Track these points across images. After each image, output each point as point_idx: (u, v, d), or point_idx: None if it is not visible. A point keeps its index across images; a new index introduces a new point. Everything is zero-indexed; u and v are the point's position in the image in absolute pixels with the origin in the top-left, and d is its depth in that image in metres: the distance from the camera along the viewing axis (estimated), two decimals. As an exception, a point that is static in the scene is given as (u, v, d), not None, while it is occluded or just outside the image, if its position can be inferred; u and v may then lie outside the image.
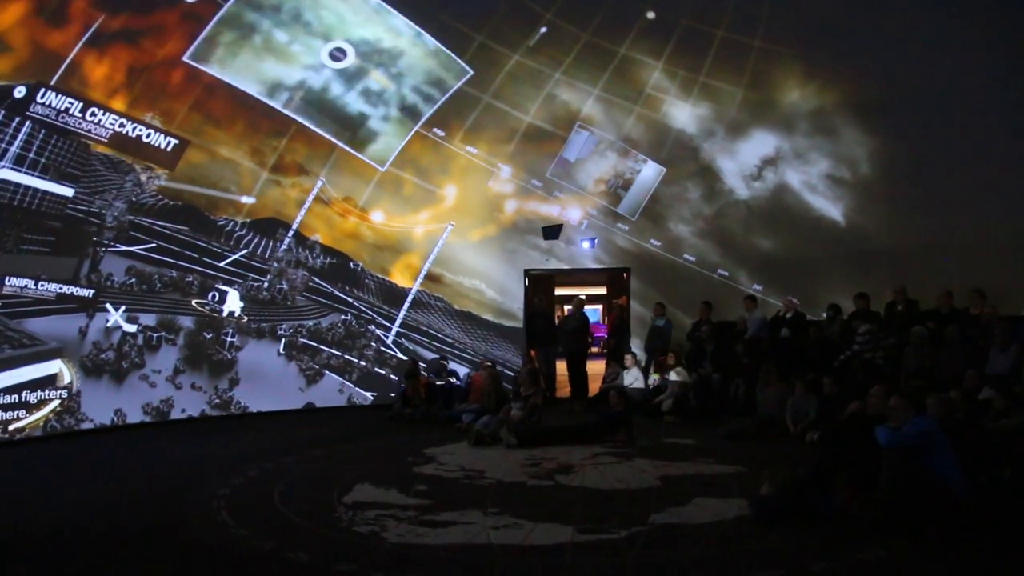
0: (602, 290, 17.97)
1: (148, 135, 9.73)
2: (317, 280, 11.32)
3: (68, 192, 9.07)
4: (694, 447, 7.83)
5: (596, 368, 12.86)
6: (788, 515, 4.86)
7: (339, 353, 11.34)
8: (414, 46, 10.90)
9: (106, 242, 9.47)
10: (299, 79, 10.57)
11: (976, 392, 6.97)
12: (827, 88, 11.19)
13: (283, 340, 10.93)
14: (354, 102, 11.00)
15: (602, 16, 11.24)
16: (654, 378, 10.77)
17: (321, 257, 11.33)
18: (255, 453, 7.61)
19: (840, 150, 11.47)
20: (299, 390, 11.05)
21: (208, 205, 10.48)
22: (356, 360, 11.47)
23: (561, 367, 12.22)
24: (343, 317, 11.45)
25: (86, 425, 9.11)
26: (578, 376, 11.96)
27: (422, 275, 12.08)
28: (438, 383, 11.19)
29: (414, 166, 11.66)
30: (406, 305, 11.97)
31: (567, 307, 13.99)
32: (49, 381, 8.88)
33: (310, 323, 11.18)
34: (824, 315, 10.42)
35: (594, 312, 20.98)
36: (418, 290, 12.02)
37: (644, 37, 11.41)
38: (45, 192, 8.89)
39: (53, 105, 8.83)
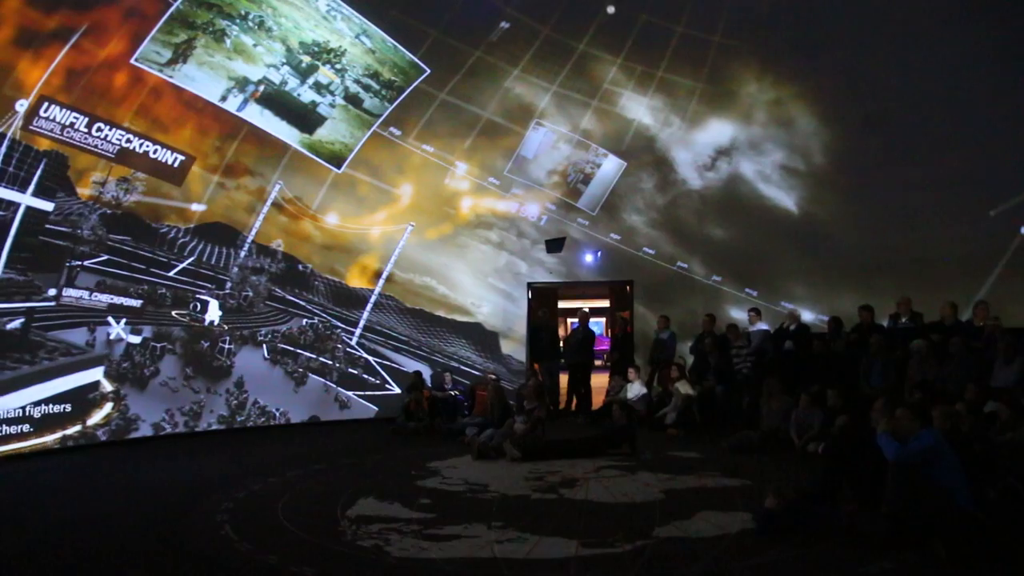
0: (605, 303, 17.96)
1: (155, 151, 9.72)
2: (276, 286, 11.15)
3: (48, 207, 8.80)
4: (698, 460, 7.81)
5: (600, 381, 12.85)
6: (793, 529, 4.84)
7: (314, 356, 11.31)
8: (368, 47, 10.49)
9: (80, 257, 9.16)
10: (258, 77, 9.99)
11: (981, 405, 6.94)
12: (783, 81, 11.23)
13: (264, 345, 10.91)
14: (308, 100, 10.52)
15: (562, 11, 11.03)
16: (657, 390, 10.75)
17: (282, 263, 11.16)
18: (258, 466, 7.61)
19: (795, 141, 11.55)
20: (294, 394, 11.09)
21: (151, 213, 9.85)
22: (330, 362, 11.45)
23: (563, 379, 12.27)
24: (309, 321, 11.33)
25: (142, 429, 9.57)
26: (582, 389, 11.95)
27: (384, 276, 11.98)
28: (442, 393, 11.19)
29: (368, 166, 11.44)
30: (369, 306, 11.87)
31: (571, 320, 14.00)
32: (93, 388, 9.20)
33: (283, 328, 11.13)
34: (827, 322, 10.50)
35: (597, 325, 20.99)
36: (367, 289, 11.89)
37: (604, 32, 11.28)
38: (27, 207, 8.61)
39: (58, 120, 8.76)
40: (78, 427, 8.96)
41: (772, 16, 10.56)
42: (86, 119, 9.00)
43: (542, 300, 13.25)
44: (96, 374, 9.25)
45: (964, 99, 9.88)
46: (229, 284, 10.60)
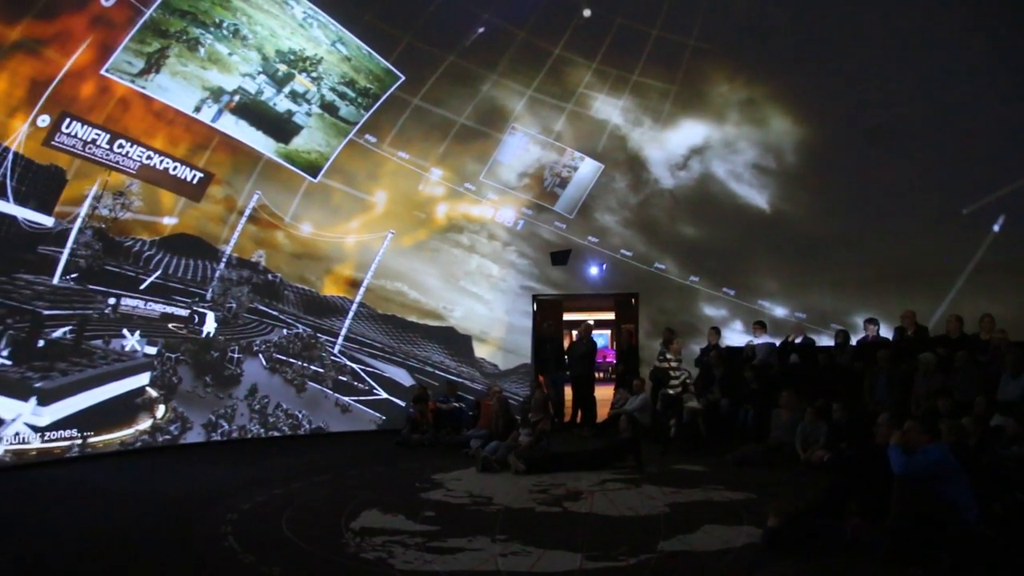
0: (610, 315, 17.96)
1: (175, 168, 9.81)
2: (257, 297, 11.05)
3: (48, 221, 8.78)
4: (703, 473, 7.78)
5: (605, 393, 12.83)
6: (798, 543, 4.82)
7: (305, 364, 11.32)
8: (344, 55, 10.37)
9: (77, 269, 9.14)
10: (234, 87, 9.80)
11: (987, 418, 6.91)
12: (756, 82, 11.24)
13: (260, 355, 10.94)
14: (284, 109, 10.35)
15: (538, 15, 10.94)
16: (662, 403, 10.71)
17: (265, 274, 11.10)
18: (262, 478, 7.61)
19: (768, 140, 11.58)
20: (301, 401, 11.16)
21: (118, 228, 9.55)
22: (321, 370, 11.45)
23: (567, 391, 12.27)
24: (295, 331, 11.31)
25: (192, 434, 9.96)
26: (586, 401, 11.93)
27: (364, 285, 11.90)
28: (447, 405, 11.18)
29: (342, 174, 11.29)
30: (350, 314, 11.80)
31: (574, 332, 14.00)
32: (140, 393, 9.57)
33: (274, 337, 11.12)
34: (833, 332, 10.46)
35: (602, 337, 20.98)
36: (340, 297, 11.80)
37: (579, 36, 11.22)
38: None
39: (79, 136, 8.83)
40: (130, 431, 9.39)
41: (747, 18, 10.57)
42: (107, 136, 9.08)
43: (547, 312, 13.26)
44: (143, 379, 9.67)
45: (937, 99, 9.96)
46: (210, 296, 10.49)
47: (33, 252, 8.73)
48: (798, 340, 10.66)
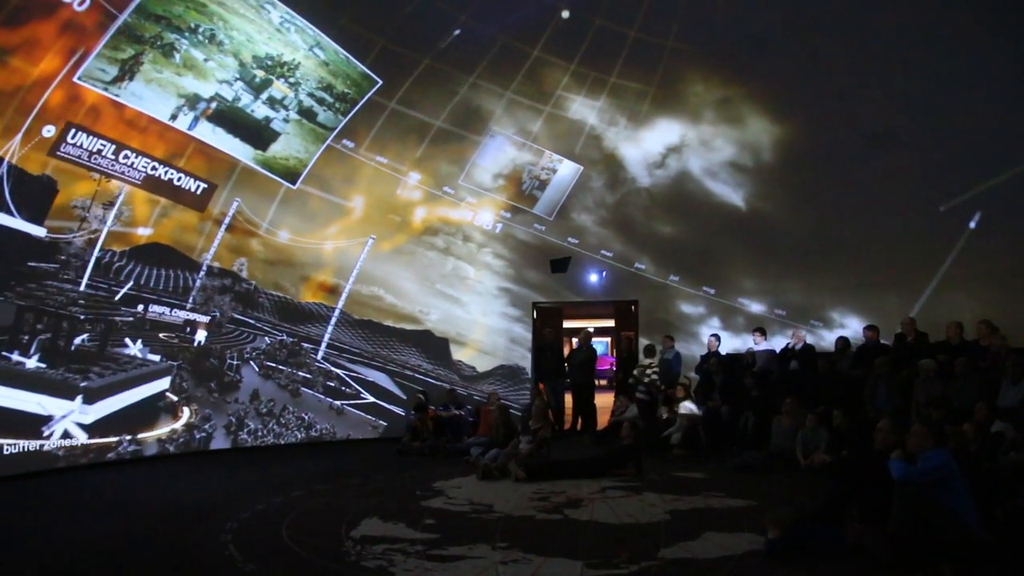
0: (610, 322, 17.98)
1: (179, 179, 9.82)
2: (239, 305, 10.98)
3: (40, 232, 8.64)
4: (703, 481, 7.77)
5: (605, 401, 12.82)
6: (799, 550, 4.81)
7: (293, 371, 11.31)
8: (321, 59, 10.27)
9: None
10: (210, 94, 9.62)
11: (988, 425, 6.91)
12: (733, 81, 11.26)
13: (251, 362, 10.93)
14: (262, 116, 10.22)
15: (517, 16, 10.87)
16: (663, 411, 10.71)
17: (247, 283, 10.98)
18: (262, 486, 7.59)
19: (745, 138, 11.61)
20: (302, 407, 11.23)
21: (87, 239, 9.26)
22: (310, 376, 11.43)
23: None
24: (279, 338, 11.25)
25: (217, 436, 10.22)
26: (587, 409, 11.93)
27: (346, 291, 11.83)
28: (448, 413, 11.18)
29: (319, 180, 11.19)
30: (333, 320, 11.74)
31: (575, 339, 14.01)
32: (161, 396, 9.83)
33: (262, 345, 11.09)
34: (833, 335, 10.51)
35: (602, 344, 20.99)
36: (317, 304, 11.74)
37: (557, 38, 11.19)
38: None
39: (84, 146, 8.81)
40: (165, 430, 9.76)
41: (725, 19, 10.59)
42: (113, 146, 9.07)
43: (547, 320, 13.26)
44: (165, 383, 9.90)
45: (914, 97, 10.04)
46: (191, 306, 10.36)
47: (50, 260, 8.81)
48: (798, 347, 10.66)
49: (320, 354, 11.59)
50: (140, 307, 9.72)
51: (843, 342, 10.29)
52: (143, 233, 9.84)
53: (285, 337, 11.27)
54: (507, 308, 12.97)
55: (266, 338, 11.10)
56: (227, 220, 10.61)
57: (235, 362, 10.68)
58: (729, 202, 11.96)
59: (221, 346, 10.64)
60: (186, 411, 10.05)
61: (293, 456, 10.11)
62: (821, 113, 10.75)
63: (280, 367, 11.15)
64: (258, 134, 10.34)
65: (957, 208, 10.16)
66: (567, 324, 16.13)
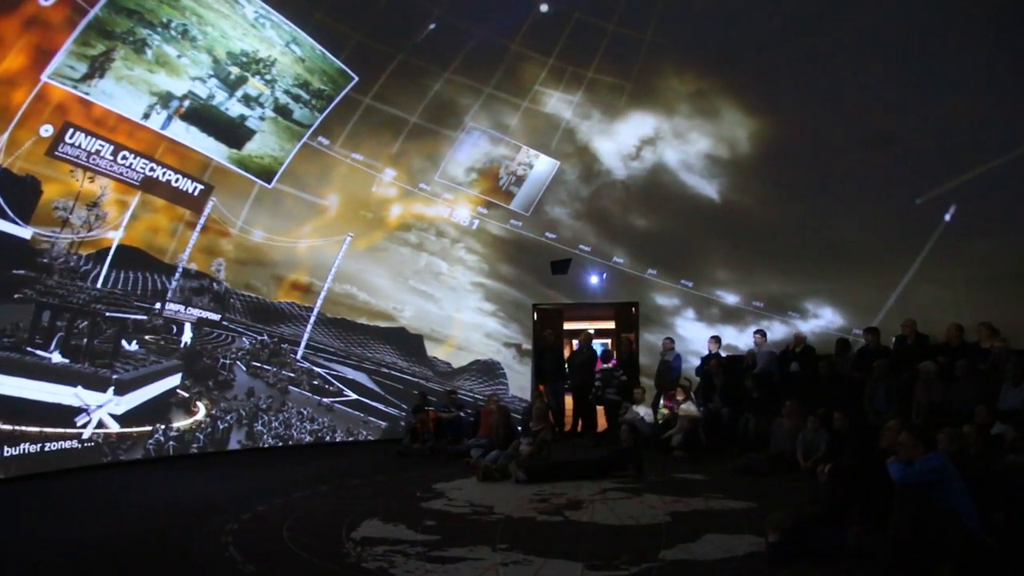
0: (611, 324, 17.96)
1: (177, 180, 9.77)
2: (216, 306, 10.76)
3: (26, 234, 8.45)
4: (704, 482, 7.77)
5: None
6: (800, 552, 4.81)
7: (277, 369, 11.23)
8: (298, 56, 10.03)
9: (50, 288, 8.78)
10: (183, 92, 9.32)
11: (988, 427, 6.91)
12: (709, 75, 11.20)
13: (238, 361, 10.88)
14: (237, 114, 9.94)
15: (496, 10, 10.73)
16: (663, 412, 10.72)
17: (224, 283, 10.75)
18: (263, 488, 7.60)
19: (721, 131, 11.59)
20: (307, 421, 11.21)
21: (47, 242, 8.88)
22: (293, 375, 11.34)
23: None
24: (260, 338, 11.10)
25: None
26: (587, 410, 11.93)
27: (325, 289, 11.66)
28: (448, 414, 11.18)
29: (293, 178, 10.91)
30: (311, 320, 11.59)
31: (575, 341, 14.01)
32: (172, 394, 9.97)
33: (246, 344, 10.98)
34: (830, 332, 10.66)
35: (601, 346, 20.95)
36: (288, 303, 11.53)
37: (536, 32, 10.97)
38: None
39: (83, 147, 8.69)
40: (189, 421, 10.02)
41: (702, 12, 10.55)
42: (111, 147, 8.99)
43: (547, 321, 13.26)
44: (176, 380, 10.04)
45: (890, 90, 10.05)
46: (168, 306, 10.08)
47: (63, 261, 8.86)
48: (798, 349, 10.66)
49: (300, 353, 11.48)
50: (158, 304, 9.88)
51: (843, 344, 10.29)
52: (112, 236, 9.43)
53: (265, 337, 11.15)
54: (481, 303, 12.87)
55: (244, 339, 10.96)
56: (202, 220, 10.33)
57: (227, 361, 10.66)
58: (704, 194, 11.97)
59: (212, 347, 10.61)
60: (200, 406, 10.23)
61: (294, 457, 10.11)
62: (798, 106, 10.75)
63: (265, 366, 11.09)
64: (233, 132, 10.08)
65: (932, 201, 10.26)
66: (567, 326, 16.10)
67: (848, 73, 10.07)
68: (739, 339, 12.00)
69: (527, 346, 12.83)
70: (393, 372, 11.97)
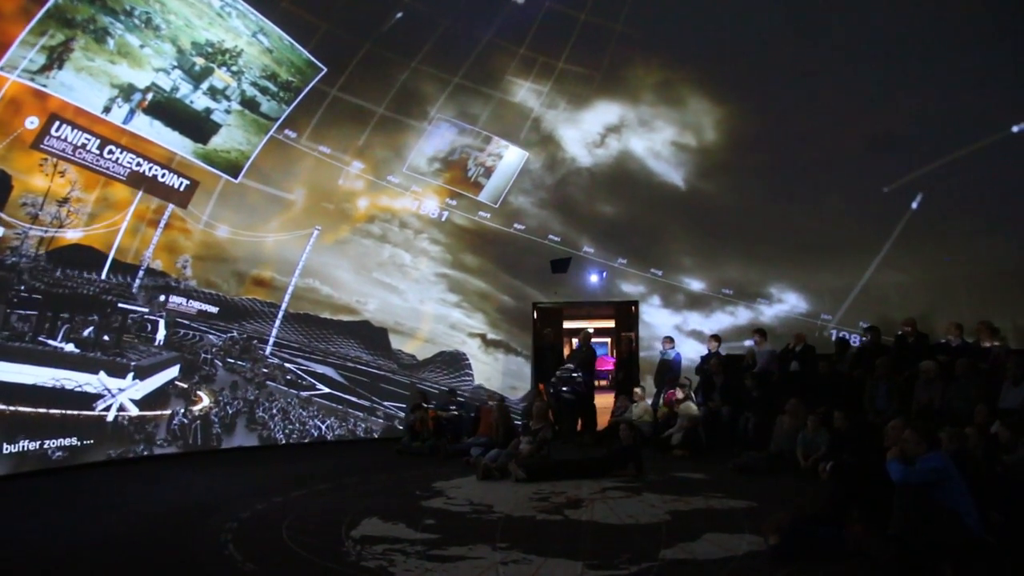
0: (610, 323, 17.97)
1: (163, 175, 9.65)
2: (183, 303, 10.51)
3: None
4: (704, 481, 7.76)
5: (605, 401, 12.82)
6: (801, 552, 4.81)
7: (250, 364, 11.08)
8: (265, 46, 9.73)
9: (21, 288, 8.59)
10: (146, 84, 8.97)
11: (989, 427, 6.90)
12: (678, 63, 11.15)
13: (214, 358, 10.76)
14: (202, 107, 9.64)
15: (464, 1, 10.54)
16: (663, 411, 10.72)
17: (192, 280, 10.48)
18: (262, 486, 7.59)
19: (686, 119, 11.59)
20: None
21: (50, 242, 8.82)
22: (267, 370, 11.20)
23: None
24: (228, 335, 10.88)
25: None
26: (587, 409, 11.92)
27: (293, 284, 11.47)
28: (447, 413, 11.17)
29: (258, 172, 10.58)
30: (280, 316, 11.40)
31: (575, 340, 14.01)
32: (172, 384, 10.08)
33: (217, 341, 10.79)
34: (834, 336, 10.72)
35: (602, 346, 20.98)
36: (249, 299, 11.26)
37: (506, 23, 10.77)
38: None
39: (70, 140, 8.55)
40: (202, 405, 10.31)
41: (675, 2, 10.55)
42: (97, 140, 8.86)
43: (547, 320, 13.25)
44: (175, 371, 10.15)
45: (858, 81, 10.08)
46: (136, 305, 9.81)
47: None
48: (798, 348, 10.65)
49: (268, 349, 11.30)
50: (162, 297, 9.97)
51: (843, 343, 10.28)
52: (72, 236, 9.04)
53: (235, 334, 10.97)
54: (445, 294, 12.74)
55: (211, 335, 10.74)
56: (165, 218, 9.96)
57: (208, 356, 10.60)
58: (670, 181, 12.00)
59: (188, 343, 10.52)
60: (202, 395, 10.36)
61: (293, 456, 10.11)
62: (767, 95, 10.78)
63: (239, 363, 10.95)
64: (198, 126, 9.77)
65: (900, 190, 10.40)
66: (567, 324, 16.09)
67: (816, 62, 10.07)
68: (704, 324, 12.19)
69: (492, 336, 12.78)
70: (359, 366, 11.83)
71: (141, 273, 9.89)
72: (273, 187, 11.05)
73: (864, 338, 10.20)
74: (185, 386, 10.18)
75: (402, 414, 11.78)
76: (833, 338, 11.09)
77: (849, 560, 4.67)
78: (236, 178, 10.40)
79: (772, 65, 10.26)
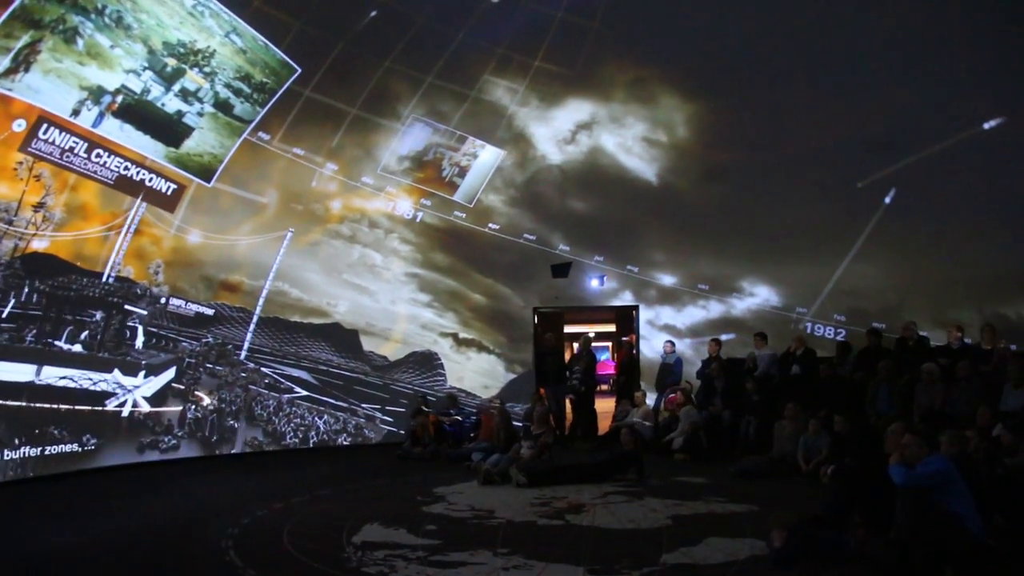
0: (611, 327, 17.95)
1: (151, 179, 9.50)
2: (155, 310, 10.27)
3: None
4: (705, 485, 7.75)
5: (606, 406, 12.80)
6: (802, 556, 4.80)
7: (228, 368, 10.93)
8: (239, 47, 9.59)
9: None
10: (116, 86, 8.73)
11: (990, 429, 6.88)
12: (651, 62, 11.24)
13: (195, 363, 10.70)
14: (174, 110, 9.43)
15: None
16: (664, 415, 10.70)
17: (164, 286, 10.22)
18: (263, 492, 7.59)
19: (657, 115, 11.65)
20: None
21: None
22: (244, 375, 11.05)
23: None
24: (204, 340, 10.70)
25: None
26: (587, 414, 11.91)
27: (266, 289, 11.28)
28: (448, 418, 11.15)
29: (230, 175, 10.38)
30: (254, 320, 11.22)
31: (575, 344, 13.99)
32: (170, 385, 10.16)
33: (192, 347, 10.57)
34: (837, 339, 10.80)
35: (603, 350, 20.95)
36: (219, 304, 10.96)
37: (482, 22, 10.78)
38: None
39: (57, 143, 8.39)
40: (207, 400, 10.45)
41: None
42: (86, 144, 8.68)
43: (548, 325, 13.24)
44: (173, 372, 10.20)
45: (830, 78, 10.23)
46: (100, 317, 9.48)
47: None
48: (799, 352, 10.63)
49: (243, 354, 11.14)
50: (163, 299, 10.08)
51: (844, 346, 10.27)
52: (37, 246, 8.68)
53: (210, 339, 10.79)
54: (416, 294, 12.65)
55: (184, 342, 10.51)
56: (134, 223, 9.65)
57: (192, 360, 10.54)
58: (643, 177, 12.07)
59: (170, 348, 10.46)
60: (201, 394, 10.43)
61: (294, 461, 10.11)
62: (740, 93, 10.89)
63: (216, 367, 10.82)
64: (170, 129, 9.49)
65: (873, 185, 10.59)
66: (567, 329, 16.07)
67: (787, 60, 10.19)
68: (676, 319, 12.35)
69: (464, 335, 12.75)
70: (331, 369, 11.75)
71: (112, 279, 9.60)
72: (246, 190, 10.86)
73: (840, 331, 10.44)
74: (182, 387, 10.20)
75: (379, 416, 11.74)
76: (808, 331, 11.29)
77: (851, 564, 4.66)
78: (209, 182, 10.16)
79: (745, 63, 10.38)
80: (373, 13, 10.19)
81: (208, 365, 10.74)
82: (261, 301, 11.34)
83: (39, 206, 8.48)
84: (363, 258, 12.28)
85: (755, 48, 10.24)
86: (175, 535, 5.91)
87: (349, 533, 5.79)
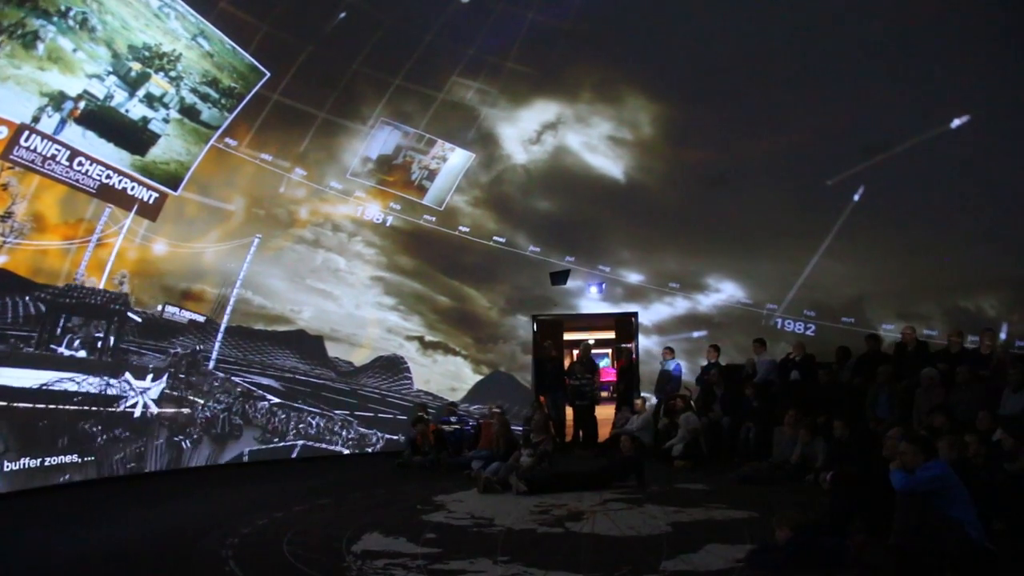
0: (610, 334, 17.96)
1: (132, 188, 9.28)
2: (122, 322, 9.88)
3: None
4: (705, 492, 7.75)
5: (606, 413, 12.79)
6: (802, 561, 4.79)
7: (199, 379, 10.69)
8: (206, 50, 9.33)
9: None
10: (78, 92, 8.38)
11: (990, 434, 6.89)
12: (621, 62, 11.20)
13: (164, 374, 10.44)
14: (139, 116, 9.08)
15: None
16: (664, 421, 10.70)
17: (130, 296, 9.83)
18: (263, 502, 7.57)
19: (623, 115, 11.69)
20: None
21: None
22: (217, 384, 10.85)
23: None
24: (172, 351, 10.37)
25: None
26: (587, 421, 11.91)
27: (233, 297, 11.01)
28: (448, 427, 11.15)
29: (196, 183, 10.06)
30: (222, 329, 10.89)
31: (575, 351, 14.00)
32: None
33: (166, 358, 10.32)
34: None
35: (602, 357, 20.96)
36: (179, 314, 10.68)
37: (452, 23, 10.64)
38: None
39: (39, 151, 8.15)
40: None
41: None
42: (67, 152, 8.47)
43: (548, 332, 13.24)
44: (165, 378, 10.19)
45: (799, 76, 10.27)
46: (76, 325, 9.21)
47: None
48: (798, 358, 10.65)
49: (211, 364, 10.91)
50: (159, 307, 10.16)
51: (843, 352, 10.27)
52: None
53: (179, 349, 10.49)
54: (381, 297, 12.53)
55: (151, 354, 10.17)
56: (96, 234, 9.24)
57: (174, 370, 10.42)
58: (608, 175, 12.13)
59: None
60: (194, 399, 10.45)
61: (293, 470, 10.10)
62: (707, 91, 10.95)
63: (191, 378, 10.59)
64: (135, 137, 9.12)
65: (842, 182, 10.72)
66: (567, 336, 16.08)
67: (759, 59, 10.23)
68: (644, 316, 12.54)
69: (430, 338, 12.70)
70: (297, 376, 11.61)
71: (78, 294, 9.24)
72: (212, 198, 10.62)
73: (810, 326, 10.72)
74: (174, 393, 10.19)
75: (353, 421, 11.72)
76: (778, 326, 11.46)
77: (851, 569, 4.65)
78: (176, 190, 9.83)
79: (714, 63, 10.46)
80: (342, 15, 10.05)
81: (180, 376, 10.52)
82: (228, 310, 11.10)
83: (6, 216, 8.14)
84: (327, 262, 12.10)
85: (723, 48, 10.32)
86: (175, 544, 5.90)
87: (349, 542, 5.79)
